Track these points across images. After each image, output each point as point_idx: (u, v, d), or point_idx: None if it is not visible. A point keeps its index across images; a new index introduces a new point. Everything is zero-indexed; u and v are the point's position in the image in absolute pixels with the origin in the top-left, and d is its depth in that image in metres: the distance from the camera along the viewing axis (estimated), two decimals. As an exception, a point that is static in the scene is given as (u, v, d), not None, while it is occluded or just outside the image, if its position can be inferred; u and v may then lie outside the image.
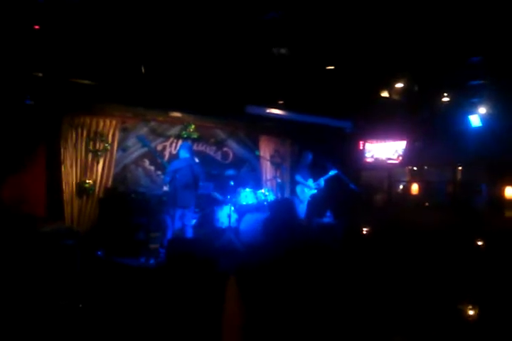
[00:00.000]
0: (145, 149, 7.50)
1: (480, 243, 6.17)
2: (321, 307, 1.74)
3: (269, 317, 1.66)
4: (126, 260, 5.91)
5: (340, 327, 1.74)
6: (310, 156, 8.21)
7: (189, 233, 6.49)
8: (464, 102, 8.24)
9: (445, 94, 7.98)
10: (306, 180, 8.07)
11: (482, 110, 8.22)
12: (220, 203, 7.64)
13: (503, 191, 9.09)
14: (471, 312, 3.33)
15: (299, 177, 8.13)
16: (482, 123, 8.24)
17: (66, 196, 6.49)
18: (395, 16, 4.96)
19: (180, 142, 7.91)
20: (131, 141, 7.41)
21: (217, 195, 7.69)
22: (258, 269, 1.78)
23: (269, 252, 1.96)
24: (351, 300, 1.85)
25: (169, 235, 6.29)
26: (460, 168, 10.07)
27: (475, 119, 8.31)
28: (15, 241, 4.64)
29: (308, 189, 8.05)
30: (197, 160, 7.16)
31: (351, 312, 1.81)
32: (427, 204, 10.11)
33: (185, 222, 6.44)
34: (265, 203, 7.75)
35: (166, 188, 6.69)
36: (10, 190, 5.98)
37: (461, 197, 9.63)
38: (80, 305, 4.26)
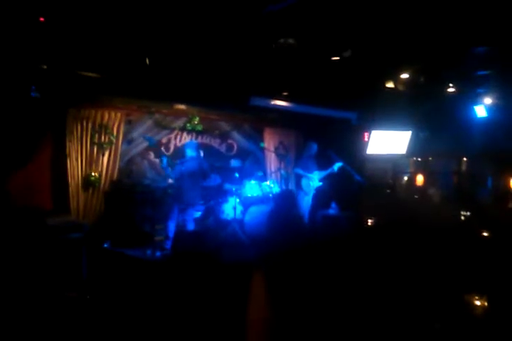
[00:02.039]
0: (150, 141, 7.53)
1: (485, 234, 6.17)
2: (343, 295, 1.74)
3: (296, 308, 1.66)
4: (133, 252, 5.94)
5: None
6: (315, 147, 8.09)
7: (190, 226, 6.55)
8: (470, 93, 8.17)
9: (450, 85, 7.91)
10: (311, 172, 8.00)
11: (488, 101, 8.16)
12: (226, 195, 7.65)
13: (508, 183, 9.07)
14: (478, 303, 3.35)
15: (298, 170, 8.06)
16: (488, 114, 8.20)
17: (72, 189, 6.51)
18: (400, 6, 4.91)
19: (185, 134, 7.95)
20: (136, 134, 7.41)
21: (228, 187, 7.71)
22: (283, 261, 1.80)
23: (278, 245, 1.97)
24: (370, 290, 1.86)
25: (173, 227, 6.34)
26: (465, 159, 10.04)
27: (480, 110, 8.27)
28: (23, 234, 4.68)
29: (312, 181, 8.02)
30: (202, 153, 7.21)
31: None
32: (430, 193, 10.05)
33: (187, 216, 6.51)
34: (270, 195, 7.76)
35: (170, 181, 6.73)
36: (16, 183, 6.00)
37: (466, 188, 9.61)
38: (88, 297, 4.30)
